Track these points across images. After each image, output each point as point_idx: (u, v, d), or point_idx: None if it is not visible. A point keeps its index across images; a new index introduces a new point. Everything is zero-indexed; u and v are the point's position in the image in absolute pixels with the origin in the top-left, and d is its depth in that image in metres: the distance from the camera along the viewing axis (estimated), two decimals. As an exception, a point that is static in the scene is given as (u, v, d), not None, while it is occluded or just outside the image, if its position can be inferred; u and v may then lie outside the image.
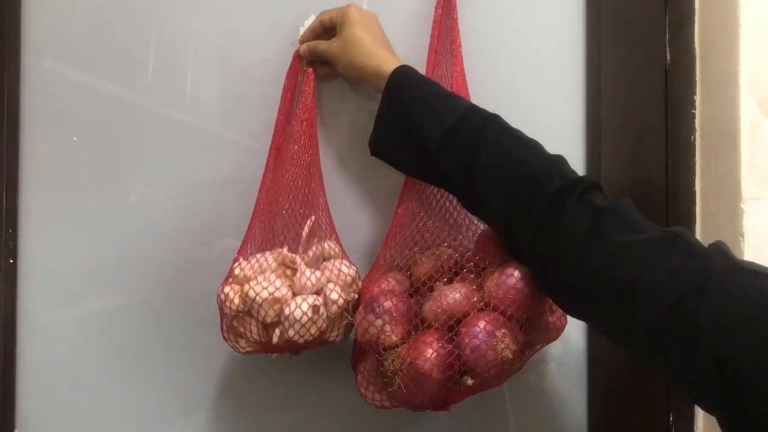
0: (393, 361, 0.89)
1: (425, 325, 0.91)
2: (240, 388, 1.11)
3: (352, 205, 1.12)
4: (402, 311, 0.92)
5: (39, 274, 1.14)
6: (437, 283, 0.95)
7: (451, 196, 1.01)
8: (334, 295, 0.95)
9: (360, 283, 0.99)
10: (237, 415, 1.14)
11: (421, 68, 1.06)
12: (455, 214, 1.01)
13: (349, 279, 0.98)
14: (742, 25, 0.99)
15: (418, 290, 0.96)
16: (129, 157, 1.14)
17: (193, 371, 1.13)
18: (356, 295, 0.97)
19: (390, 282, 0.98)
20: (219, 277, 1.04)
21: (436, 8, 1.09)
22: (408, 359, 0.88)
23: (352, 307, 0.98)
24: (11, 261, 1.13)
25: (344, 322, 0.99)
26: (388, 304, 0.92)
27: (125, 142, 1.14)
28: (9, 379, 1.13)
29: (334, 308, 0.95)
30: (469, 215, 1.00)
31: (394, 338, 0.91)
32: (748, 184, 0.99)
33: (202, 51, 1.15)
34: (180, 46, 1.15)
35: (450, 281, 0.96)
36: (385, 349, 0.91)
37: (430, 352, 0.88)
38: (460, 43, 1.07)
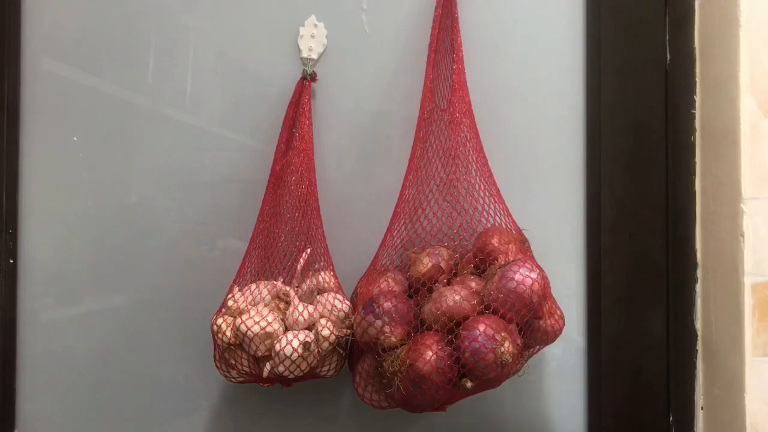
0: (392, 362, 0.90)
1: (425, 326, 0.91)
2: (240, 388, 1.11)
3: (350, 204, 1.12)
4: (402, 312, 0.92)
5: (39, 274, 1.14)
6: (436, 284, 0.95)
7: (449, 197, 1.01)
8: (325, 332, 0.96)
9: (353, 317, 0.98)
10: (237, 415, 1.14)
11: (421, 67, 1.07)
12: (454, 214, 1.01)
13: (342, 314, 0.98)
14: (742, 25, 0.99)
15: (417, 291, 0.96)
16: (129, 157, 1.14)
17: (193, 371, 1.13)
18: (348, 331, 0.97)
19: (389, 282, 0.97)
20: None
21: (436, 7, 1.09)
22: (407, 361, 0.88)
23: (344, 343, 0.98)
24: (11, 261, 1.13)
25: (336, 357, 0.99)
26: (387, 304, 0.92)
27: (125, 142, 1.14)
28: (9, 379, 1.13)
29: (326, 344, 0.96)
30: (468, 215, 1.00)
31: (394, 339, 0.91)
32: (748, 184, 0.99)
33: (202, 51, 1.15)
34: (180, 46, 1.15)
35: (449, 282, 0.96)
36: (384, 350, 0.91)
37: (430, 354, 0.88)
38: (460, 42, 1.07)
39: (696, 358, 1.09)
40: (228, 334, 0.96)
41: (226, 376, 1.01)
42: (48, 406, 1.14)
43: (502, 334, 0.88)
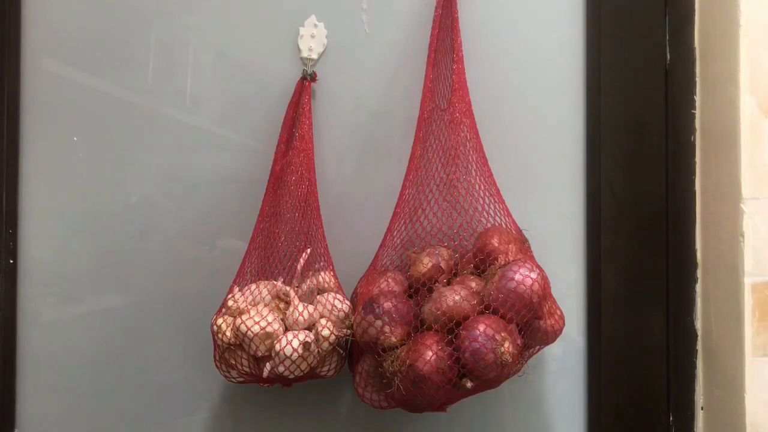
0: (392, 362, 0.90)
1: (425, 326, 0.91)
2: (240, 388, 1.11)
3: (350, 204, 1.12)
4: (402, 312, 0.92)
5: (39, 274, 1.14)
6: (436, 284, 0.95)
7: (449, 197, 1.01)
8: (325, 332, 0.96)
9: (353, 317, 0.98)
10: (237, 415, 1.14)
11: (421, 67, 1.07)
12: (454, 214, 1.01)
13: (342, 314, 0.98)
14: (742, 25, 0.99)
15: (417, 291, 0.96)
16: (129, 157, 1.14)
17: (193, 371, 1.13)
18: (348, 331, 0.97)
19: (389, 282, 0.97)
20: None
21: (436, 7, 1.09)
22: (407, 361, 0.88)
23: (344, 343, 0.98)
24: (11, 261, 1.13)
25: (336, 357, 0.99)
26: (387, 304, 0.92)
27: (125, 142, 1.14)
28: (9, 379, 1.13)
29: (326, 345, 0.96)
30: (468, 215, 1.00)
31: (394, 339, 0.91)
32: (748, 184, 0.99)
33: (202, 51, 1.15)
34: (180, 45, 1.15)
35: (449, 282, 0.96)
36: (384, 350, 0.91)
37: (430, 354, 0.88)
38: (460, 42, 1.07)
39: (696, 358, 1.10)
40: (228, 334, 0.96)
41: (226, 376, 1.01)
42: (48, 406, 1.14)
43: (502, 334, 0.88)
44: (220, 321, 0.98)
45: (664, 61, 1.12)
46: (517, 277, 0.90)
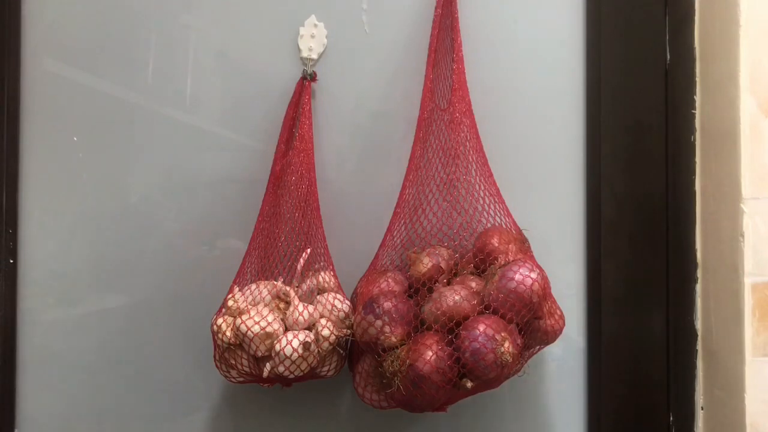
0: (392, 362, 0.90)
1: (425, 326, 0.91)
2: (239, 388, 1.11)
3: (350, 204, 1.12)
4: (402, 312, 0.92)
5: (39, 274, 1.14)
6: (436, 284, 0.95)
7: (449, 197, 1.01)
8: (325, 332, 0.96)
9: (353, 317, 0.98)
10: (237, 415, 1.14)
11: (421, 67, 1.07)
12: (454, 214, 1.01)
13: (342, 314, 0.98)
14: (742, 25, 0.99)
15: (417, 291, 0.96)
16: (129, 157, 1.14)
17: (193, 371, 1.13)
18: (348, 331, 0.97)
19: (389, 282, 0.98)
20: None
21: (436, 7, 1.09)
22: (407, 361, 0.88)
23: (344, 343, 0.98)
24: (11, 261, 1.13)
25: (336, 357, 0.99)
26: (387, 304, 0.92)
27: (125, 142, 1.14)
28: (9, 379, 1.13)
29: (326, 345, 0.96)
30: (468, 215, 1.00)
31: (394, 339, 0.91)
32: (748, 184, 0.99)
33: (202, 50, 1.15)
34: (180, 45, 1.15)
35: (449, 282, 0.96)
36: (384, 350, 0.91)
37: (430, 354, 0.88)
38: (460, 42, 1.07)
39: (696, 358, 1.10)
40: (228, 334, 0.96)
41: (226, 376, 1.01)
42: (48, 406, 1.14)
43: (502, 334, 0.88)
44: (220, 321, 0.98)
45: (664, 61, 1.12)
46: (517, 277, 0.90)
